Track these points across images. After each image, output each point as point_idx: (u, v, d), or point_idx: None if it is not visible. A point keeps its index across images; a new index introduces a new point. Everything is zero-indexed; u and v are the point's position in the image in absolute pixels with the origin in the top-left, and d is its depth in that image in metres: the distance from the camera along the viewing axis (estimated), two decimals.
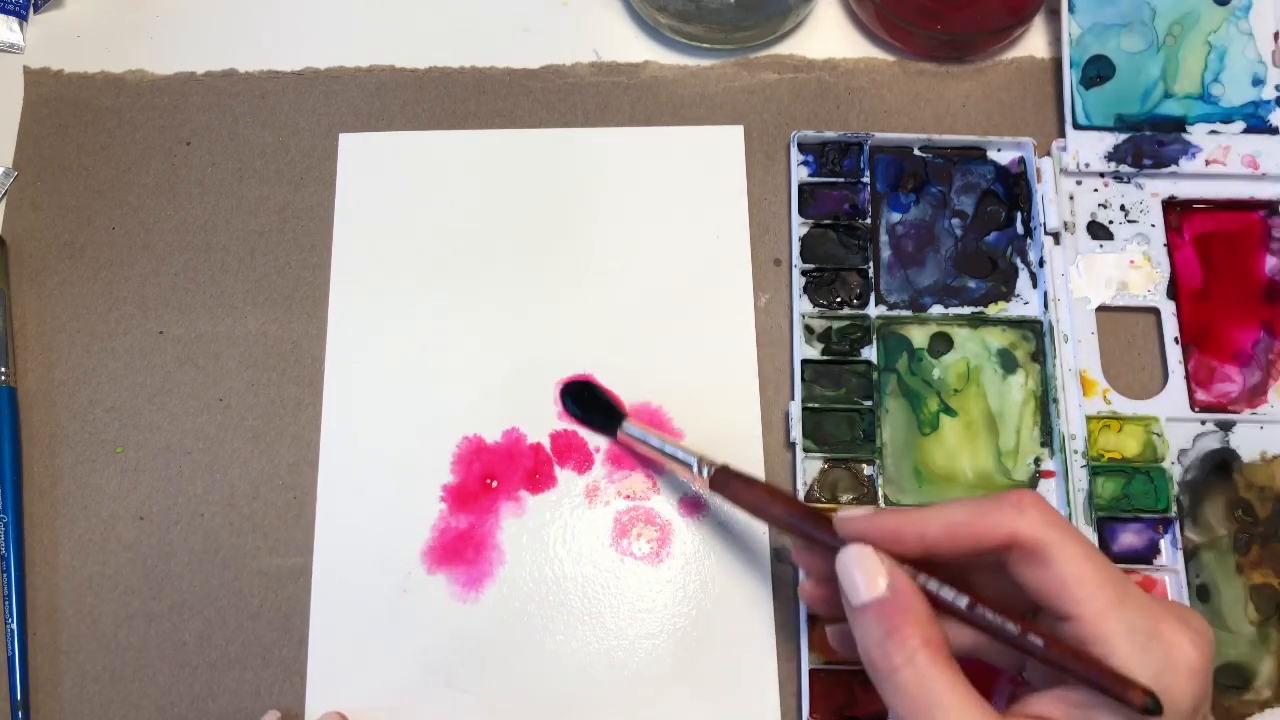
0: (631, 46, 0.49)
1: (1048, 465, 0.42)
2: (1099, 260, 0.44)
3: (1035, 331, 0.44)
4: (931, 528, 0.30)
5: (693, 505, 0.42)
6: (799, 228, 0.45)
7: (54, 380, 0.44)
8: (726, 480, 0.37)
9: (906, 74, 0.48)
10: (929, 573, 0.30)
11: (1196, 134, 0.46)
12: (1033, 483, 0.42)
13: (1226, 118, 0.46)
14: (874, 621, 0.29)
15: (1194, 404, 0.43)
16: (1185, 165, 0.45)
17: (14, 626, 0.40)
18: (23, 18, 0.50)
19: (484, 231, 0.46)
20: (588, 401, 0.43)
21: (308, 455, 0.43)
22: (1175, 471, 0.42)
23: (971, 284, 0.45)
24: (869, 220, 0.45)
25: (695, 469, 0.38)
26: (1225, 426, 0.42)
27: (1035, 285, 0.44)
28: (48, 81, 0.49)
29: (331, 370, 0.44)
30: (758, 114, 0.48)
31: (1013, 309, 0.44)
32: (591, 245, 0.46)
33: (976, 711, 0.27)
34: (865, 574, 0.30)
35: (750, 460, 0.42)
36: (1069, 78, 0.46)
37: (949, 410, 0.43)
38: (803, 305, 0.44)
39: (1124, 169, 0.45)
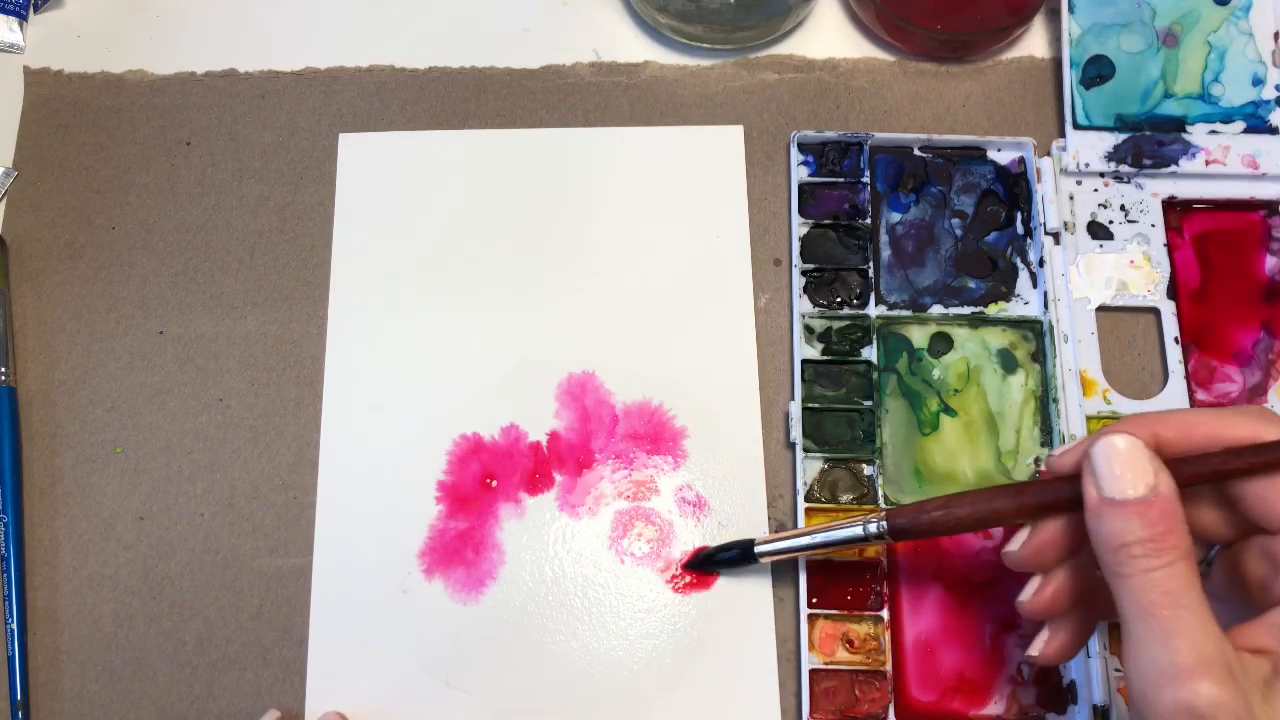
0: (631, 46, 0.49)
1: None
2: (1099, 260, 0.44)
3: (1035, 331, 0.44)
4: (1168, 429, 0.30)
5: (693, 505, 0.42)
6: (799, 228, 0.45)
7: (54, 380, 0.44)
8: (902, 527, 0.35)
9: (906, 74, 0.48)
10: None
11: (1196, 134, 0.46)
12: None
13: (1226, 118, 0.46)
14: (1133, 519, 0.28)
15: (1194, 404, 0.43)
16: (1185, 165, 0.45)
17: (14, 626, 0.40)
18: (23, 18, 0.50)
19: (484, 231, 0.46)
20: (713, 558, 0.41)
21: (308, 455, 0.43)
22: None
23: (971, 284, 0.45)
24: (869, 220, 0.45)
25: (864, 535, 0.36)
26: None
27: (1035, 285, 0.44)
28: (48, 81, 0.49)
29: (331, 370, 0.44)
30: (758, 114, 0.48)
31: (1013, 309, 0.44)
32: (591, 245, 0.46)
33: (1216, 629, 0.27)
34: (1133, 469, 0.28)
35: (750, 460, 0.42)
36: (1069, 78, 0.46)
37: (949, 410, 0.43)
38: (803, 305, 0.44)
39: (1124, 169, 0.45)
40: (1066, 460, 0.31)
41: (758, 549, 0.39)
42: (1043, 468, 0.42)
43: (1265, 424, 0.29)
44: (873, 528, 0.35)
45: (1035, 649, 0.33)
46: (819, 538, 0.37)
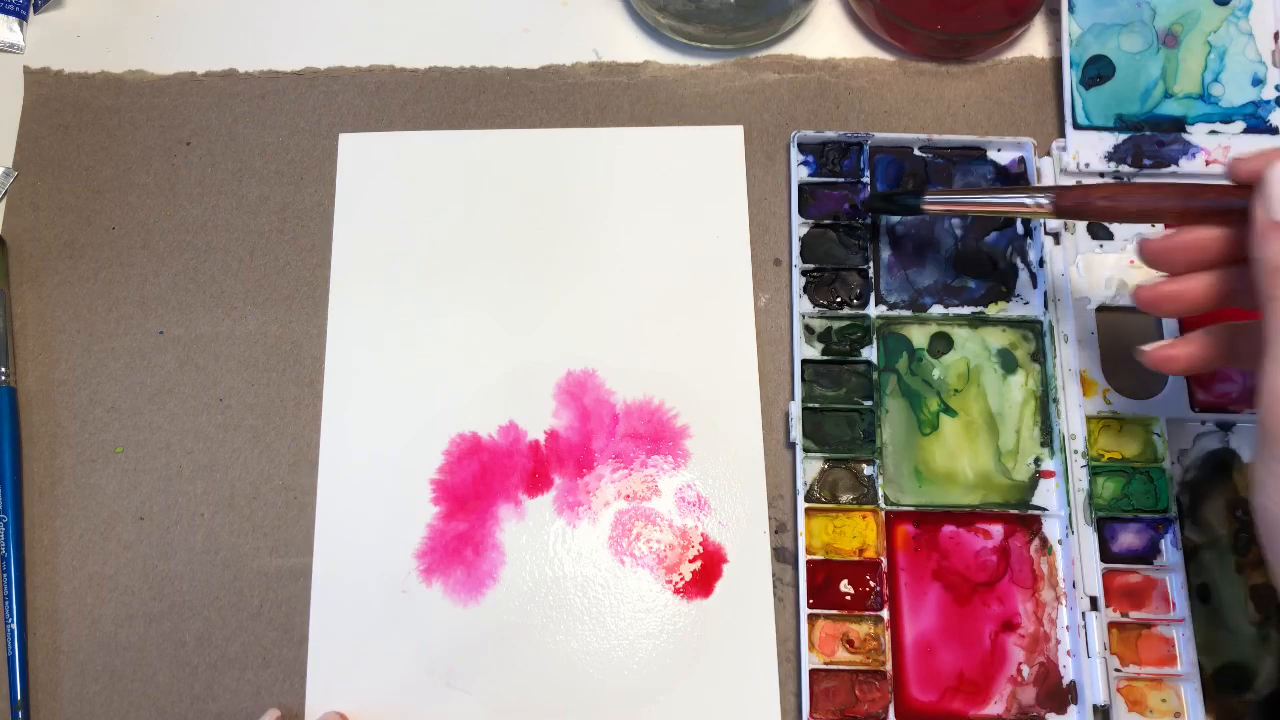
0: (631, 46, 0.49)
1: (1048, 465, 0.42)
2: (1099, 260, 0.44)
3: (1035, 331, 0.44)
4: None
5: (693, 505, 0.42)
6: (799, 228, 0.45)
7: (54, 380, 0.44)
8: (1068, 206, 0.36)
9: (906, 74, 0.48)
10: None
11: (1196, 134, 0.46)
12: (1033, 483, 0.42)
13: (1226, 118, 0.46)
14: None
15: (1194, 404, 0.43)
16: (1185, 165, 0.45)
17: (14, 626, 0.41)
18: (23, 18, 0.50)
19: (484, 231, 0.46)
20: (889, 198, 0.44)
21: (308, 455, 0.43)
22: (1175, 471, 0.42)
23: (971, 284, 0.45)
24: (869, 220, 0.45)
25: (1030, 204, 0.37)
26: (1225, 427, 0.42)
27: (1035, 285, 0.44)
28: (48, 81, 0.49)
29: (331, 370, 0.44)
30: (758, 114, 0.48)
31: (1013, 309, 0.44)
32: (591, 245, 0.46)
33: None
34: None
35: (750, 460, 0.42)
36: (1069, 78, 0.46)
37: (949, 410, 0.43)
38: (803, 305, 0.44)
39: (1124, 169, 0.45)
40: (1245, 168, 0.30)
41: (926, 201, 0.41)
42: (1041, 468, 0.42)
43: None
44: (1042, 200, 0.36)
45: (1149, 345, 0.34)
46: (987, 199, 0.39)
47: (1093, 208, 0.35)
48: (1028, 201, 0.37)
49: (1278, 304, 0.28)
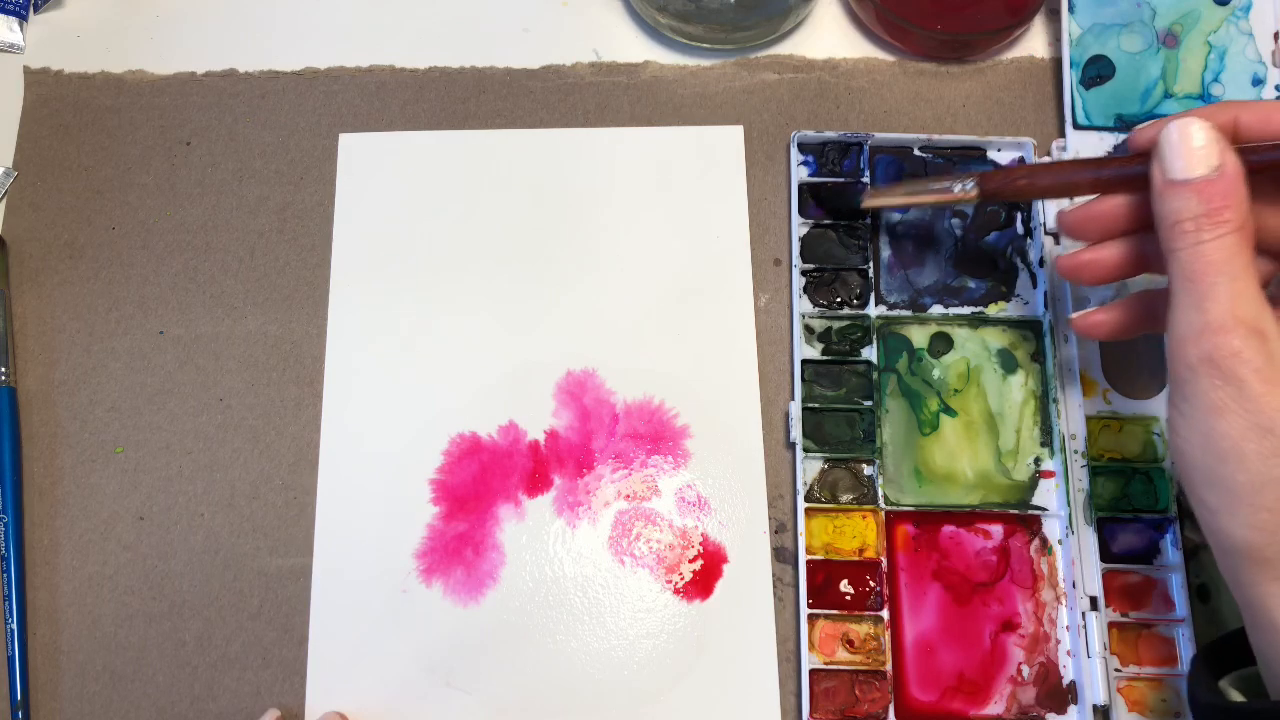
0: (631, 46, 0.49)
1: (1048, 465, 0.42)
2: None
3: (1035, 331, 0.44)
4: (1250, 114, 0.31)
5: (693, 505, 0.42)
6: (799, 228, 0.45)
7: (54, 380, 0.44)
8: (990, 191, 0.38)
9: (906, 74, 0.48)
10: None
11: None
12: (1033, 483, 0.42)
13: None
14: (1191, 198, 0.29)
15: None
16: None
17: (14, 626, 0.41)
18: (23, 18, 0.50)
19: (484, 231, 0.46)
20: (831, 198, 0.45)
21: (308, 455, 0.43)
22: (1175, 472, 0.42)
23: (971, 284, 0.45)
24: (869, 220, 0.45)
25: (956, 191, 0.38)
26: None
27: (1035, 285, 0.44)
28: (48, 81, 0.49)
29: (331, 370, 0.44)
30: (758, 114, 0.48)
31: (1013, 309, 0.44)
32: (591, 245, 0.46)
33: (1256, 296, 0.29)
34: (1200, 152, 0.30)
35: (750, 460, 0.42)
36: (1069, 78, 0.46)
37: (949, 410, 0.43)
38: (803, 305, 0.44)
39: None
40: (1144, 136, 0.33)
41: (864, 203, 0.43)
42: (1041, 468, 0.42)
43: None
44: (968, 184, 0.38)
45: (1075, 313, 0.37)
46: (918, 191, 0.40)
47: (1013, 187, 0.37)
48: (955, 188, 0.39)
49: (1177, 254, 0.29)
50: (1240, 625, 0.30)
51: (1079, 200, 0.36)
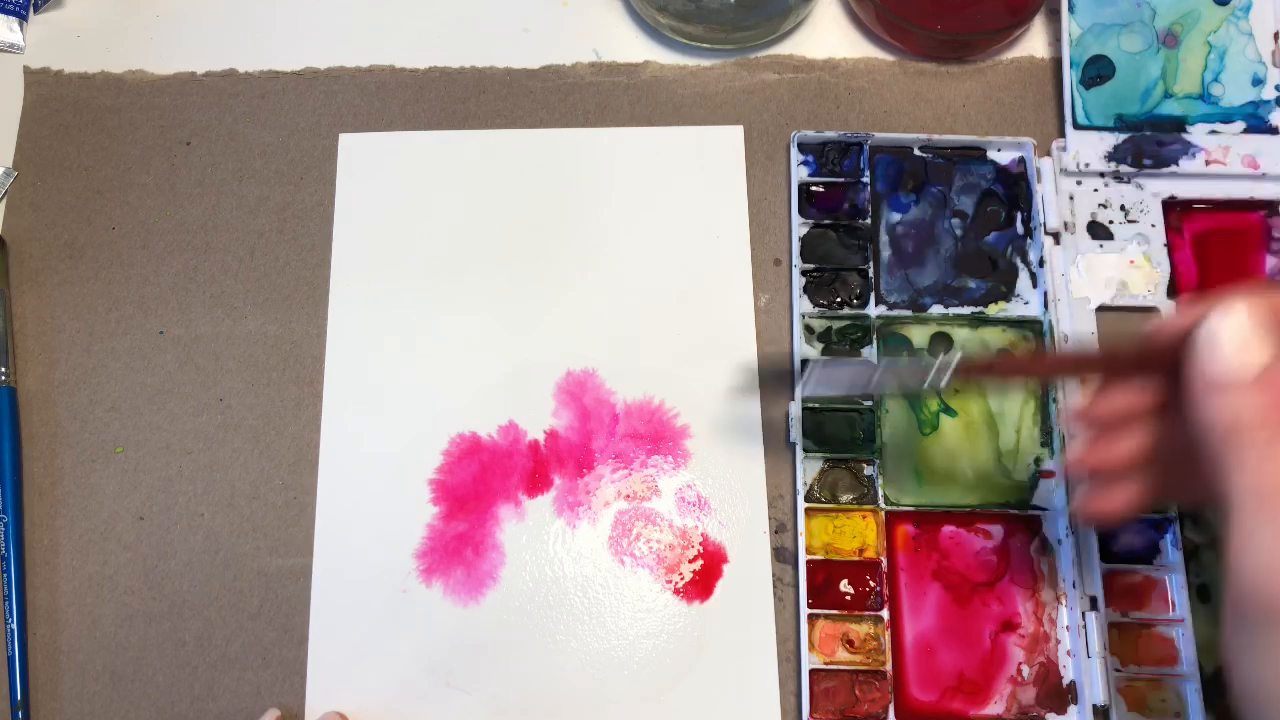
0: (631, 46, 0.49)
1: (1048, 465, 0.42)
2: (1099, 260, 0.44)
3: (1035, 331, 0.44)
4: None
5: (693, 505, 0.42)
6: (799, 228, 0.45)
7: (54, 380, 0.44)
8: (971, 377, 0.34)
9: (906, 74, 0.48)
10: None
11: (1196, 134, 0.46)
12: (1033, 483, 0.42)
13: (1226, 118, 0.46)
14: (1247, 398, 0.26)
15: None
16: (1185, 165, 0.45)
17: (14, 626, 0.40)
18: (23, 18, 0.50)
19: (484, 231, 0.46)
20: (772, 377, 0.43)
21: (308, 455, 0.43)
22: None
23: (971, 284, 0.45)
24: (869, 220, 0.45)
25: (928, 384, 0.33)
26: None
27: (1035, 285, 0.44)
28: (48, 81, 0.49)
29: (331, 370, 0.44)
30: (758, 114, 0.48)
31: (1013, 309, 0.44)
32: (591, 245, 0.46)
33: None
34: (1248, 347, 0.26)
35: (750, 460, 0.42)
36: (1069, 78, 0.46)
37: (949, 410, 0.43)
38: (803, 305, 0.44)
39: (1124, 169, 0.45)
40: (1170, 329, 0.29)
41: (802, 394, 0.38)
42: (1041, 468, 0.42)
43: None
44: (940, 380, 0.33)
45: (1076, 501, 0.32)
46: (872, 387, 0.36)
47: (981, 380, 0.34)
48: (924, 382, 0.34)
49: (1239, 463, 0.25)
50: None
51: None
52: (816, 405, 0.42)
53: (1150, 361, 0.30)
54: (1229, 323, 0.27)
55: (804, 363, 0.37)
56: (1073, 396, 0.42)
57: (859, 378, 0.36)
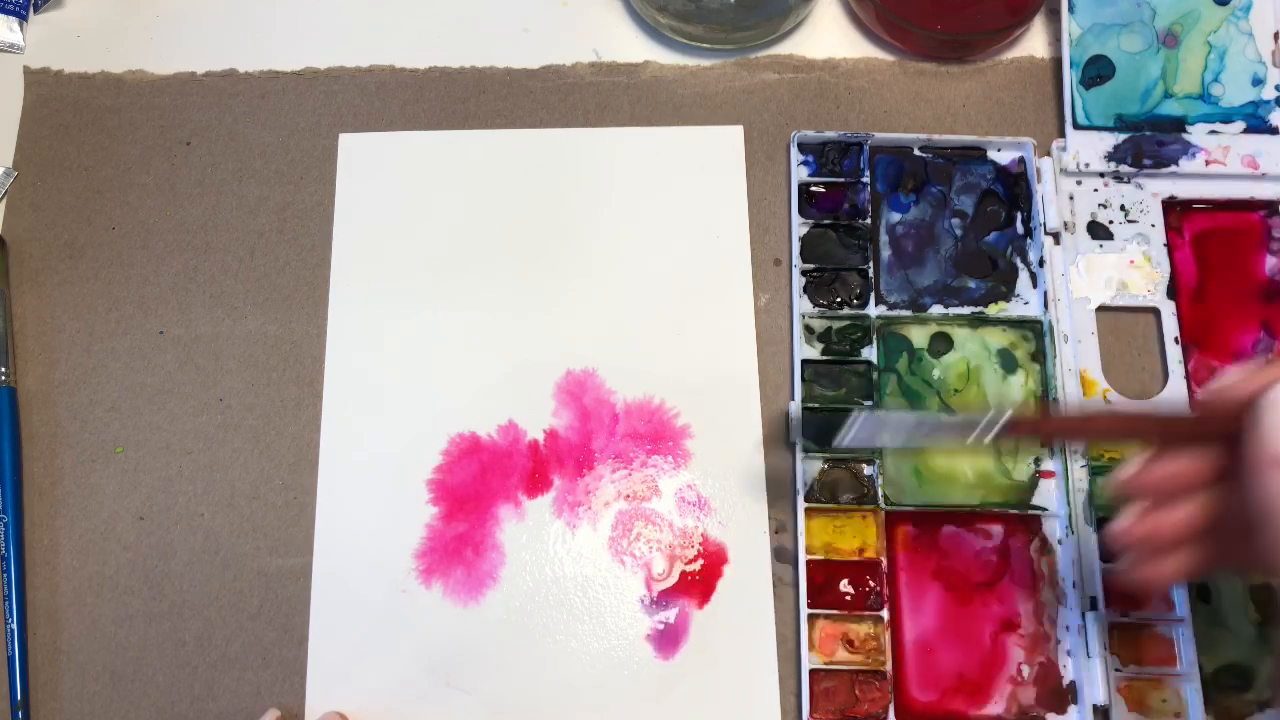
0: (631, 46, 0.49)
1: (1048, 465, 0.42)
2: (1099, 260, 0.44)
3: (1035, 331, 0.44)
4: None
5: (694, 505, 0.42)
6: (799, 228, 0.45)
7: (54, 380, 0.44)
8: (1019, 434, 0.31)
9: (906, 74, 0.48)
10: None
11: (1196, 134, 0.46)
12: (1033, 483, 0.42)
13: (1226, 118, 0.46)
14: None
15: (1194, 404, 0.42)
16: (1185, 165, 0.45)
17: (14, 626, 0.40)
18: (23, 18, 0.50)
19: (484, 231, 0.46)
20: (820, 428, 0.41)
21: (308, 455, 0.43)
22: None
23: (971, 284, 0.45)
24: (869, 220, 0.45)
25: (972, 441, 0.31)
26: None
27: (1035, 285, 0.44)
28: (48, 81, 0.49)
29: (331, 370, 0.44)
30: (758, 114, 0.48)
31: (1013, 309, 0.44)
32: (591, 245, 0.46)
33: None
34: None
35: (750, 460, 0.42)
36: (1069, 78, 0.46)
37: (949, 410, 0.43)
38: (803, 305, 0.44)
39: (1124, 169, 0.45)
40: (1231, 397, 0.27)
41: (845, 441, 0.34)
42: (1041, 468, 0.42)
43: None
44: (986, 437, 0.31)
45: (1125, 563, 0.30)
46: (921, 440, 0.34)
47: (1032, 435, 0.33)
48: (970, 437, 0.32)
49: None
50: None
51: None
52: (816, 405, 0.42)
53: (1209, 429, 0.28)
54: None
55: (846, 412, 0.35)
56: (1073, 397, 0.42)
57: (902, 430, 0.34)
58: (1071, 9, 0.47)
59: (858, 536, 0.41)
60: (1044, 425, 0.33)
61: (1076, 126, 0.46)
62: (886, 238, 0.45)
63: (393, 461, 0.43)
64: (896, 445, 0.38)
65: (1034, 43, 0.49)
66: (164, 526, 0.42)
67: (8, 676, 0.40)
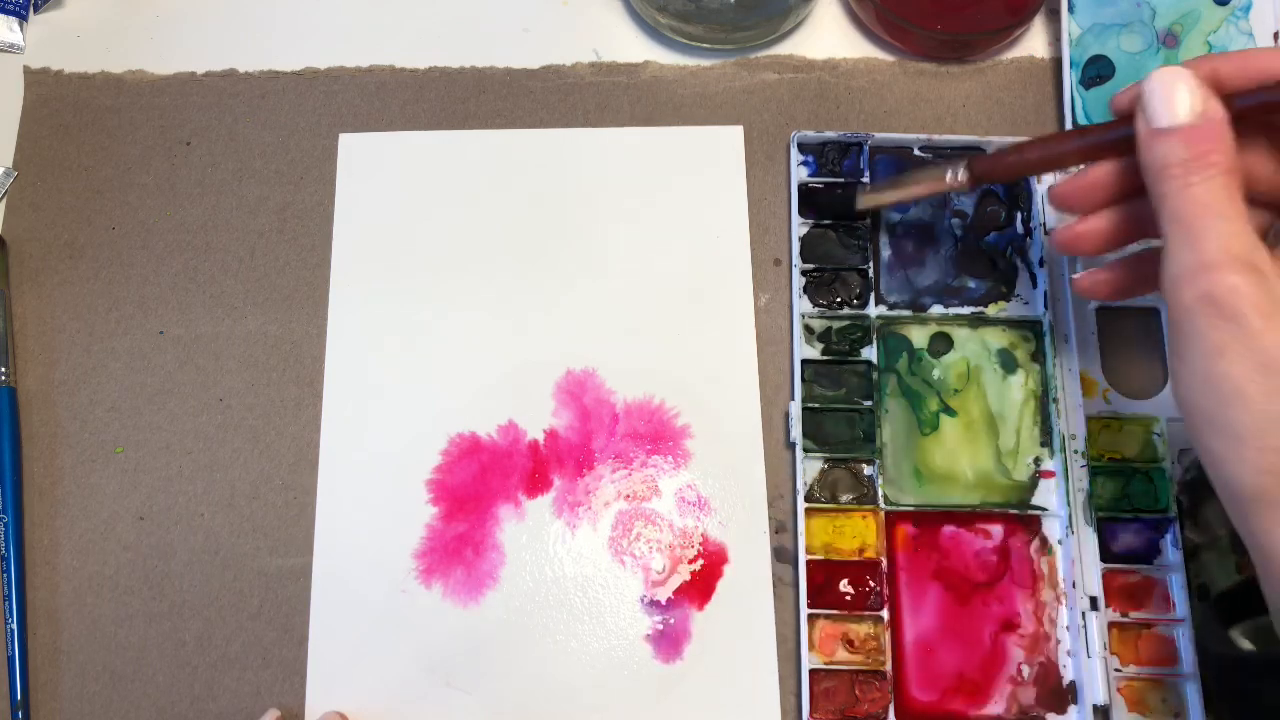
0: (631, 46, 0.49)
1: (1048, 465, 0.42)
2: (1099, 260, 0.44)
3: (1035, 331, 0.44)
4: (1227, 64, 0.31)
5: (693, 505, 0.42)
6: (799, 228, 0.45)
7: (54, 380, 0.44)
8: (980, 173, 0.38)
9: (906, 74, 0.48)
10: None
11: None
12: (1033, 483, 0.42)
13: None
14: (1177, 143, 0.29)
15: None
16: None
17: (14, 626, 0.41)
18: (23, 18, 0.50)
19: (484, 231, 0.46)
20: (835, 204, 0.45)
21: (308, 455, 0.43)
22: (1175, 471, 0.42)
23: (971, 284, 0.45)
24: (869, 220, 0.45)
25: (948, 179, 0.39)
26: None
27: (1035, 285, 0.44)
28: (48, 81, 0.49)
29: (331, 370, 0.44)
30: (758, 114, 0.48)
31: (1013, 309, 0.44)
32: (591, 245, 0.46)
33: (1249, 234, 0.28)
34: (1179, 97, 0.30)
35: (750, 460, 0.42)
36: (1069, 78, 0.46)
37: (949, 410, 0.43)
38: (803, 305, 0.44)
39: None
40: (1124, 99, 0.33)
41: (859, 205, 0.44)
42: (1041, 468, 0.42)
43: None
44: (960, 172, 0.39)
45: (1080, 276, 0.36)
46: (911, 186, 0.41)
47: (1003, 165, 0.37)
48: (946, 175, 0.39)
49: (1166, 200, 0.29)
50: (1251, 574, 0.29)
51: (1069, 172, 0.36)
52: (816, 405, 0.43)
53: (1119, 127, 0.33)
54: (1168, 79, 0.30)
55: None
56: (1073, 396, 0.42)
57: (896, 186, 0.42)
58: (1071, 9, 0.47)
59: (858, 536, 0.41)
60: (985, 164, 0.38)
61: (1076, 126, 0.46)
62: (886, 238, 0.45)
63: (392, 461, 0.43)
64: (899, 200, 0.43)
65: (1034, 43, 0.49)
66: (164, 526, 0.42)
67: (8, 676, 0.40)
